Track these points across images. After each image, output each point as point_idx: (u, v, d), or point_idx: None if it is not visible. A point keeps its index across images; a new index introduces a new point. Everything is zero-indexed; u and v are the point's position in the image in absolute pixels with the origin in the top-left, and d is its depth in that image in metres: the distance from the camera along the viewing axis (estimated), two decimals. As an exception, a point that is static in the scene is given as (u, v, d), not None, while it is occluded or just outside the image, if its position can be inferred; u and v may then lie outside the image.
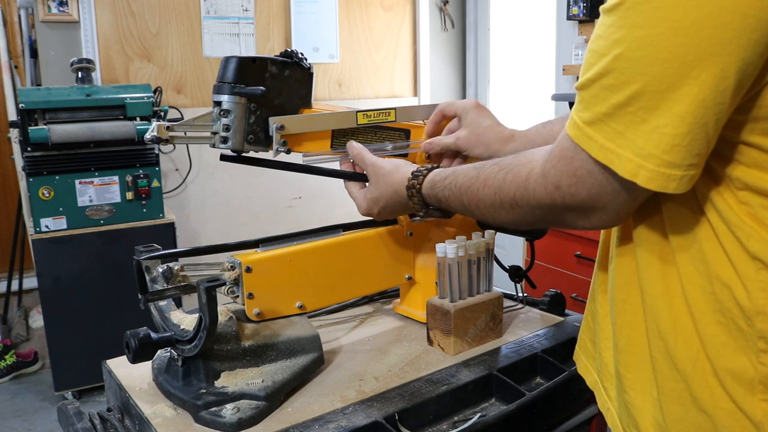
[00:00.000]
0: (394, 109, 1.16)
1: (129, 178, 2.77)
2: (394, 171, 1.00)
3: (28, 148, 2.58)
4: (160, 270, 0.98)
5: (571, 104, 1.14)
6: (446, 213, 0.96)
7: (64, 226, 2.69)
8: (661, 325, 0.66)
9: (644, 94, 0.55)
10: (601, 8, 0.59)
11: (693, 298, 0.63)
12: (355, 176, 1.12)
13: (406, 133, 1.20)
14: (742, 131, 0.58)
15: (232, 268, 1.00)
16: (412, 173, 0.96)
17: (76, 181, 2.68)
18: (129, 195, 2.78)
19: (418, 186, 0.94)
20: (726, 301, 0.61)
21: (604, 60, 0.57)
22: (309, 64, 1.08)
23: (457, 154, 1.15)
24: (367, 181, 1.08)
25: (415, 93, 4.08)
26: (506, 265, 1.33)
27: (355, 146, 1.09)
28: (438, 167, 0.95)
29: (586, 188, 0.62)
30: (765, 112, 0.56)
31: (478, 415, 0.99)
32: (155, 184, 2.83)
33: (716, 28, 0.52)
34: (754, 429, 0.61)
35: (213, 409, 0.92)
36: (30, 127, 2.52)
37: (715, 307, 0.61)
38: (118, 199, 2.77)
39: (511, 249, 3.40)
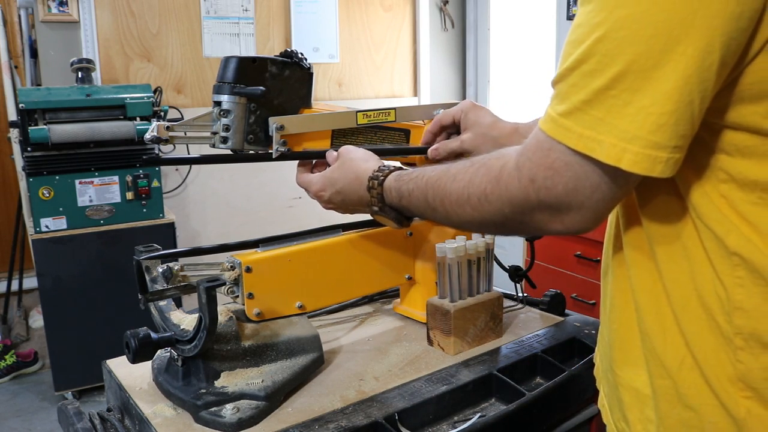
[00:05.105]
0: (394, 109, 1.16)
1: (129, 178, 2.76)
2: (366, 159, 0.98)
3: (28, 148, 2.58)
4: (160, 270, 0.98)
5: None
6: (401, 215, 0.91)
7: (64, 226, 2.69)
8: (645, 321, 0.66)
9: (628, 75, 0.54)
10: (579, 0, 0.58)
11: (675, 295, 0.63)
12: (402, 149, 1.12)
13: (405, 133, 1.20)
14: (726, 115, 0.57)
15: (232, 268, 1.00)
16: (380, 167, 0.93)
17: (76, 181, 2.68)
18: (129, 195, 2.77)
19: (381, 177, 0.91)
20: (706, 296, 0.61)
21: (583, 46, 0.56)
22: (309, 64, 1.08)
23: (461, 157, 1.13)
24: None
25: (415, 93, 4.08)
26: (506, 265, 1.33)
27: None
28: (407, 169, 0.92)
29: (563, 181, 0.60)
30: (748, 93, 0.55)
31: (478, 415, 0.99)
32: (155, 184, 2.83)
33: (701, 1, 0.51)
34: (736, 428, 0.60)
35: (213, 409, 0.92)
36: (30, 127, 2.52)
37: (697, 302, 0.62)
38: (118, 199, 2.76)
39: (511, 249, 3.40)
